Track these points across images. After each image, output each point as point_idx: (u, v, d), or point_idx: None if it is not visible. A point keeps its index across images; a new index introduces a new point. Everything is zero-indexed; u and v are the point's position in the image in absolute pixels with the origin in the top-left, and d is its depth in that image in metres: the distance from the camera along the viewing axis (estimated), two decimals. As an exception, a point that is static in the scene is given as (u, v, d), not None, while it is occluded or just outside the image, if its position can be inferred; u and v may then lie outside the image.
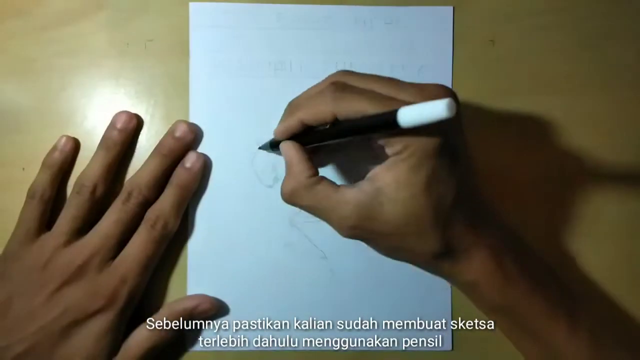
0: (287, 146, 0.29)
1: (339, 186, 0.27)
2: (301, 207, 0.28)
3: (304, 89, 0.34)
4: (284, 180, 0.29)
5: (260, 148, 0.34)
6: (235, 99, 0.35)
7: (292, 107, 0.29)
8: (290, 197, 0.28)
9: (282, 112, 0.34)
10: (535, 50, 0.36)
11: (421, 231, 0.26)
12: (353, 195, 0.26)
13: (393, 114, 0.22)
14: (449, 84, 0.35)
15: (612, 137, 0.36)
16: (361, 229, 0.27)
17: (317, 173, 0.28)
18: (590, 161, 0.36)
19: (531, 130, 0.36)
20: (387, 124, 0.22)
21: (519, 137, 0.36)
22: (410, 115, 0.21)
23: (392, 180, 0.25)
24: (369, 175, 0.26)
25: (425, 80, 0.35)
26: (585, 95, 0.36)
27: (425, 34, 0.35)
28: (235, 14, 0.35)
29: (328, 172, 0.35)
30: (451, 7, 0.35)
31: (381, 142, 0.26)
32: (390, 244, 0.28)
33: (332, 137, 0.27)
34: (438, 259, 0.28)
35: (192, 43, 0.35)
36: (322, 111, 0.26)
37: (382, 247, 0.28)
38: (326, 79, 0.29)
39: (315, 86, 0.29)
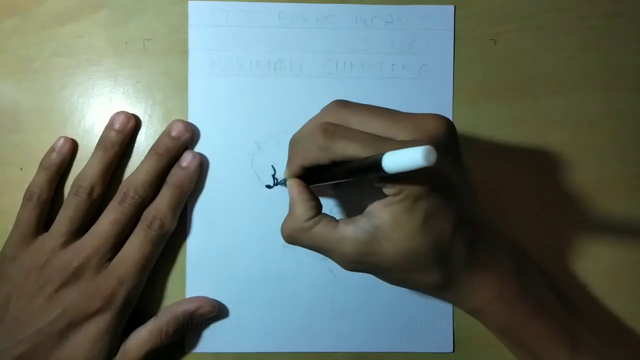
0: (291, 185, 0.29)
1: (337, 223, 0.27)
2: (301, 246, 0.29)
3: (304, 88, 0.34)
4: (284, 219, 0.29)
5: (270, 185, 0.35)
6: (235, 98, 0.35)
7: (292, 147, 0.30)
8: (288, 239, 0.29)
9: (281, 111, 0.35)
10: (535, 50, 0.36)
11: (421, 267, 0.27)
12: (351, 233, 0.26)
13: (378, 160, 0.22)
14: (450, 83, 0.35)
15: (612, 137, 0.36)
16: (362, 263, 0.27)
17: (318, 212, 0.28)
18: (590, 162, 0.36)
19: (531, 130, 0.36)
20: (374, 169, 0.22)
21: (518, 138, 0.36)
22: (393, 161, 0.21)
23: (388, 218, 0.25)
24: (368, 209, 0.27)
25: (426, 79, 0.35)
26: (585, 95, 0.36)
27: (426, 33, 0.35)
28: (234, 13, 0.35)
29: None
30: (452, 6, 0.35)
31: (377, 184, 0.26)
32: (393, 277, 0.28)
33: (330, 179, 0.28)
34: (441, 289, 0.28)
35: (191, 42, 0.35)
36: (317, 157, 0.27)
37: (386, 279, 0.29)
38: (321, 112, 0.28)
39: (311, 121, 0.29)
